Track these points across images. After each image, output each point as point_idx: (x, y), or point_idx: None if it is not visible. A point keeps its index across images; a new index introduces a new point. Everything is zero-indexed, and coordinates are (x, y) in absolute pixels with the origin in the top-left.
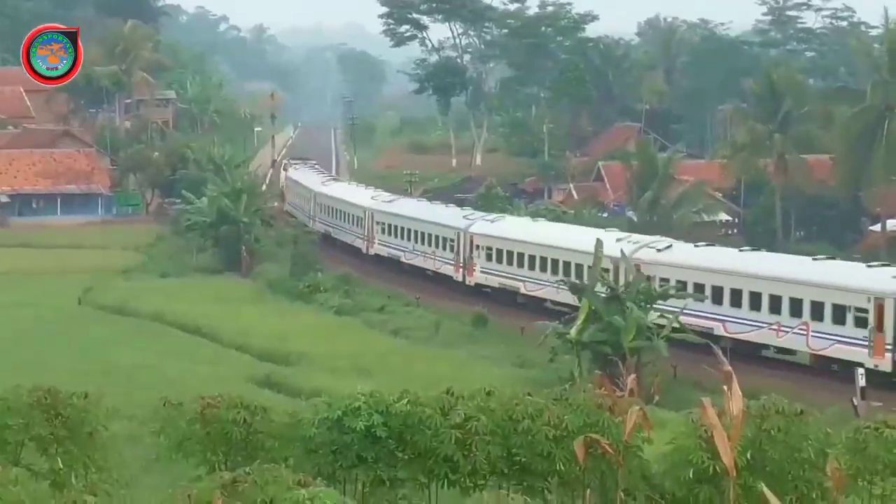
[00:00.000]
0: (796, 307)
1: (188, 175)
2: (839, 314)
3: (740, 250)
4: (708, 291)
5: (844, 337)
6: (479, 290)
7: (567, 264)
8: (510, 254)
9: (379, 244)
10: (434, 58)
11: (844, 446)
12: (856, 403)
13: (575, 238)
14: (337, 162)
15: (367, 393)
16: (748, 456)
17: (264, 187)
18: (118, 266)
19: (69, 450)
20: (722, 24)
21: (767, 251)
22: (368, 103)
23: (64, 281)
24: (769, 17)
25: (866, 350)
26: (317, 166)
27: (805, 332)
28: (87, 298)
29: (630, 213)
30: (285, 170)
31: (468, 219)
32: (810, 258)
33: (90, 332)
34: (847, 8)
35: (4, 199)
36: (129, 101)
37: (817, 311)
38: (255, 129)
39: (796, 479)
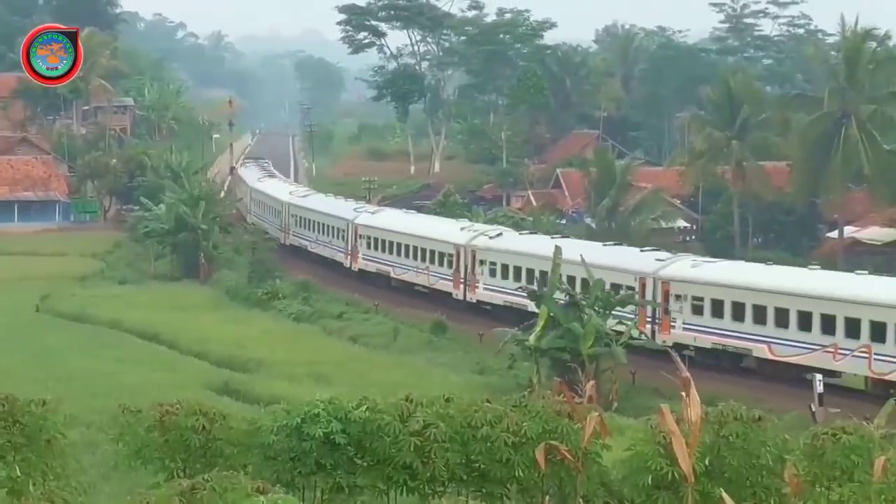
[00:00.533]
0: (586, 287)
1: (146, 182)
2: (616, 292)
3: (552, 237)
4: (523, 273)
5: (620, 312)
6: (364, 276)
7: (424, 251)
8: (384, 242)
9: (293, 235)
10: (392, 65)
11: (802, 452)
12: (813, 410)
13: (431, 228)
14: (295, 169)
15: (325, 400)
16: (706, 462)
17: (222, 194)
18: (76, 273)
19: (27, 457)
20: (679, 31)
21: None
22: (327, 110)
23: (21, 288)
24: (726, 25)
25: (632, 322)
26: (263, 163)
27: None
28: (44, 306)
29: (588, 220)
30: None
31: (356, 211)
32: (601, 244)
33: (48, 340)
34: (804, 15)
35: None
36: (86, 107)
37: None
38: (213, 136)
39: (754, 485)
